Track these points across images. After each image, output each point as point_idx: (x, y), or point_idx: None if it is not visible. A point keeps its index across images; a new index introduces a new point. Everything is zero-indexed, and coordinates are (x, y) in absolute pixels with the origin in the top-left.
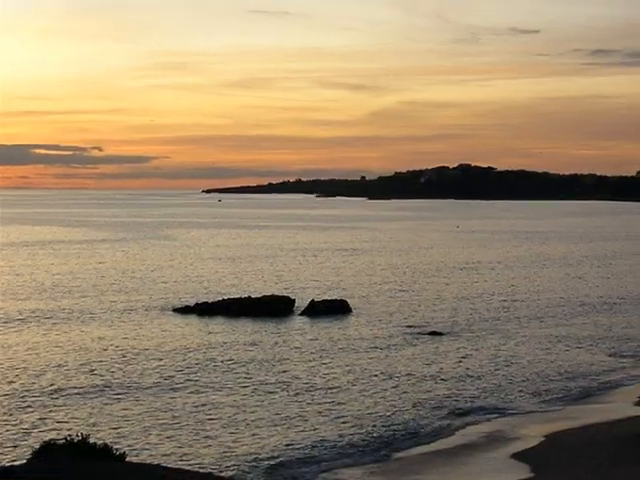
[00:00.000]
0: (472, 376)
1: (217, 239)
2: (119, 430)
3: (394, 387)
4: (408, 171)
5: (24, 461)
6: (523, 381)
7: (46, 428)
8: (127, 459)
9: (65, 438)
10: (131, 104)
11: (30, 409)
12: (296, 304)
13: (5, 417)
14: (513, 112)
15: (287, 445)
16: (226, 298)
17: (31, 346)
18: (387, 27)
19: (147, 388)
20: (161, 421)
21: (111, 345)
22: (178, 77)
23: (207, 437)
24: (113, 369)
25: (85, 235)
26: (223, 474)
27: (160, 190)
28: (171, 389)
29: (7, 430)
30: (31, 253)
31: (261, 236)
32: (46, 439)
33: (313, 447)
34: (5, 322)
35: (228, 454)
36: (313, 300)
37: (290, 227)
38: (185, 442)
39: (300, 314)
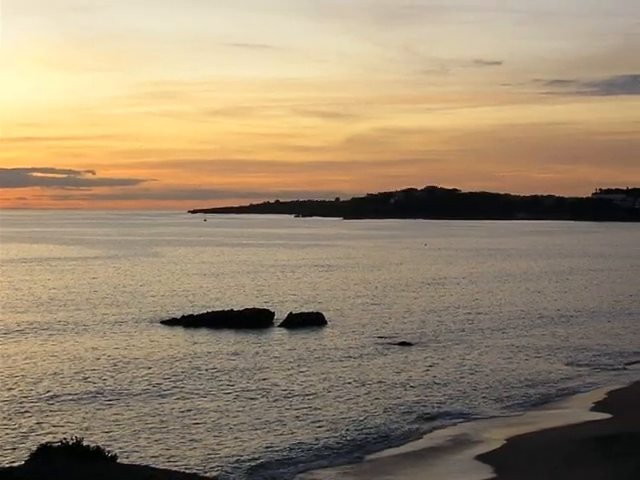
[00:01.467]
0: (439, 383)
1: (202, 256)
2: (111, 434)
3: (366, 394)
4: (379, 193)
5: (22, 462)
6: (486, 388)
7: (43, 432)
8: (118, 461)
9: (61, 441)
10: (122, 130)
11: (28, 414)
12: (275, 316)
13: (4, 421)
14: (477, 138)
15: (267, 447)
16: (210, 311)
17: (29, 355)
18: (359, 59)
19: (137, 394)
20: (150, 425)
21: (103, 354)
22: (166, 105)
23: (192, 440)
24: (105, 377)
25: (79, 252)
26: (207, 474)
27: (149, 210)
28: (159, 395)
29: (6, 433)
30: (29, 269)
31: (243, 253)
32: (43, 442)
33: (291, 449)
34: (4, 333)
35: (212, 456)
36: (291, 313)
37: (270, 245)
38: (172, 445)
39: (279, 326)
